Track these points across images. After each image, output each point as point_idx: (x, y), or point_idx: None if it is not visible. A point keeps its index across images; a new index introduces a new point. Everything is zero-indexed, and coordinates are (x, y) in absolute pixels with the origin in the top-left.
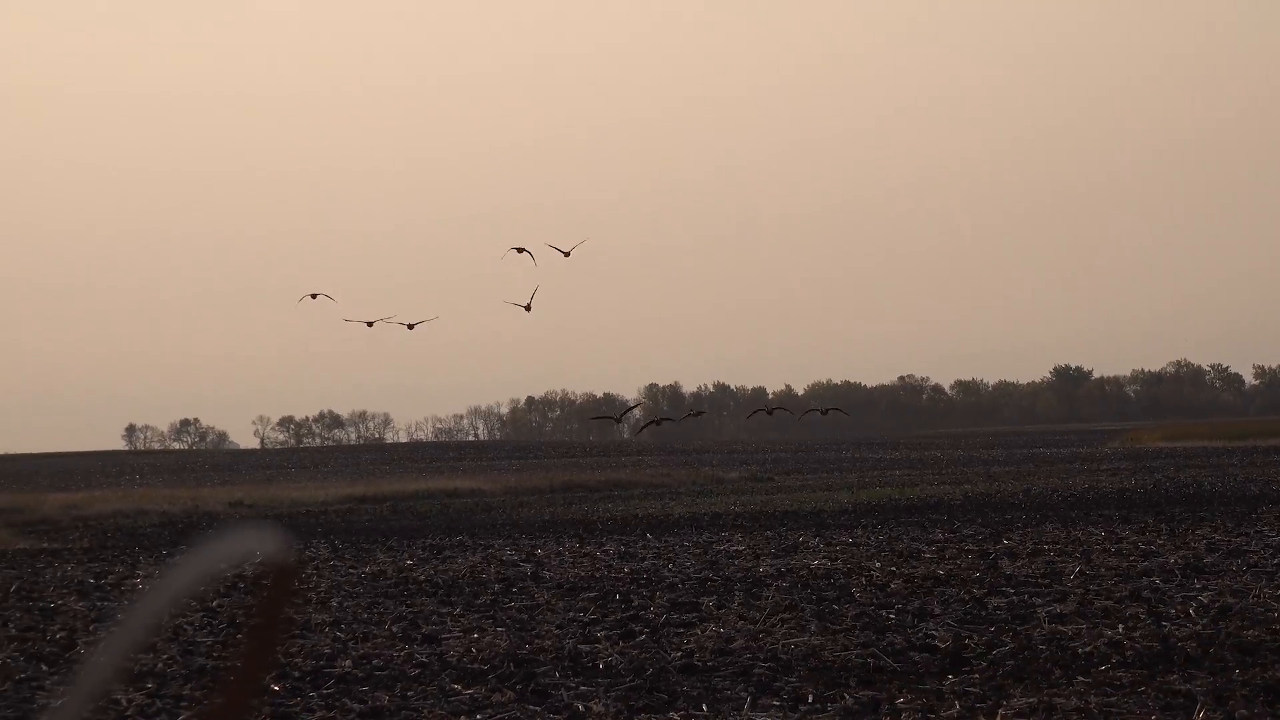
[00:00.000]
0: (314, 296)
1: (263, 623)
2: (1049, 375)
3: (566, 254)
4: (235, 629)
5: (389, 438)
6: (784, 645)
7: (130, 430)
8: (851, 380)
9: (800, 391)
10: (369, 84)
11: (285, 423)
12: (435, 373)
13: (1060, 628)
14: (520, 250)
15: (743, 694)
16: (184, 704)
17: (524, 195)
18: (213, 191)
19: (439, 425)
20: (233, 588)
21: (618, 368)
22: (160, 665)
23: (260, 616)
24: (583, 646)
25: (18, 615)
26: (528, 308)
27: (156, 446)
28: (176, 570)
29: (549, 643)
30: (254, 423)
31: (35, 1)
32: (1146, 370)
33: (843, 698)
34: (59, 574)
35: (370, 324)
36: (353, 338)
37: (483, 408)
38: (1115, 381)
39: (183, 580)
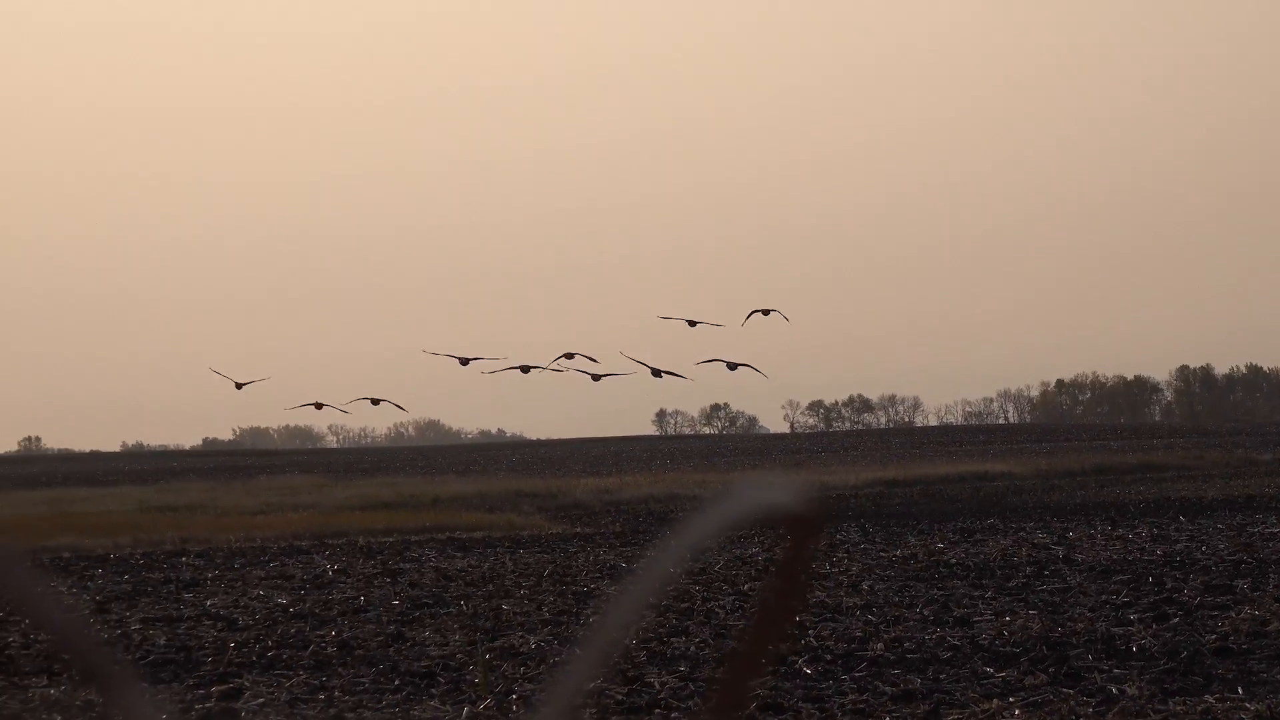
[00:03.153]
0: (239, 386)
1: (782, 576)
2: None
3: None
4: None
5: (918, 421)
6: None
7: (660, 415)
8: None
9: None
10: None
11: (815, 407)
12: (965, 356)
13: None
14: (569, 356)
15: (1279, 677)
16: (716, 688)
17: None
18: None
19: (968, 408)
20: (764, 571)
21: (1150, 350)
22: (693, 649)
23: (780, 570)
24: (1115, 629)
25: (552, 599)
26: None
27: (687, 431)
28: (686, 526)
29: (1081, 625)
30: (783, 407)
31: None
32: None
33: None
34: (591, 558)
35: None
36: (873, 323)
37: (1012, 390)
38: None
39: (692, 535)
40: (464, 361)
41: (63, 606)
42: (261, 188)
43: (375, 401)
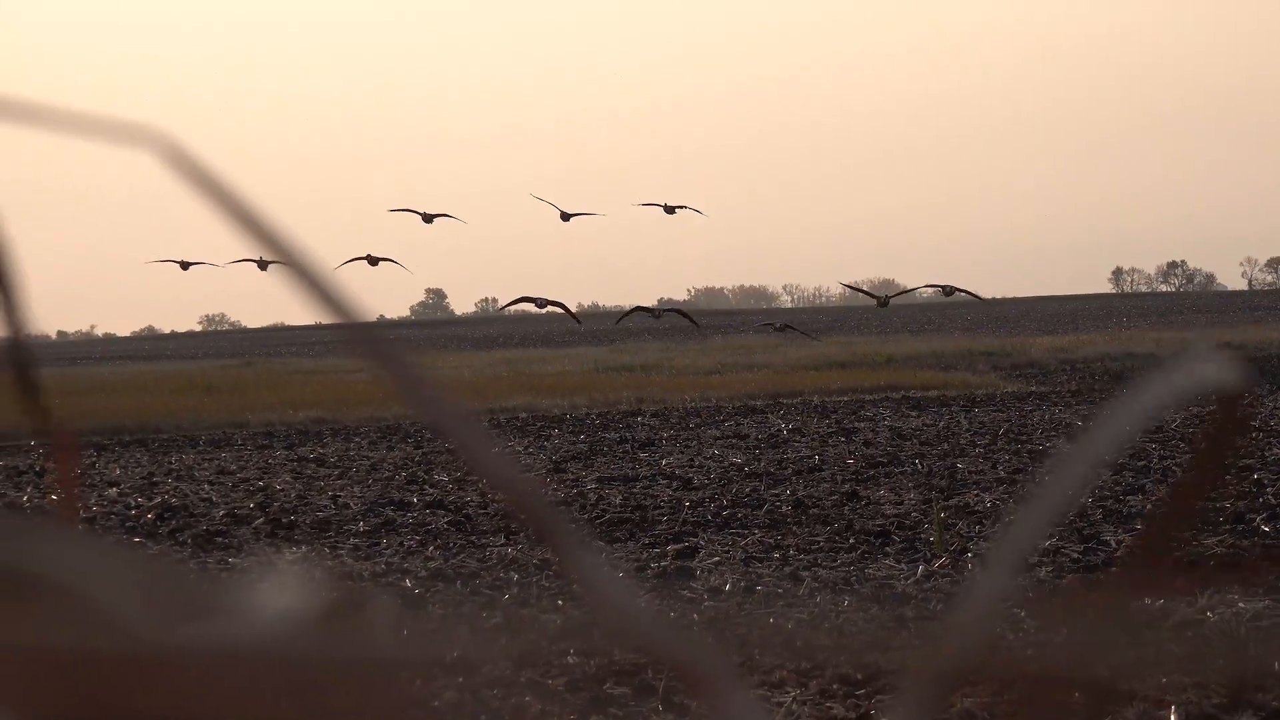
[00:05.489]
0: (185, 267)
1: (1203, 456)
2: None
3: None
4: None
5: None
6: None
7: (1117, 273)
8: None
9: None
10: None
11: (1273, 263)
12: None
13: None
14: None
15: None
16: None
17: None
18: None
19: None
20: (1196, 440)
21: None
22: (1148, 507)
23: (1203, 449)
24: None
25: (1007, 457)
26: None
27: (1143, 289)
28: (1131, 398)
29: None
30: (1241, 264)
31: None
32: None
33: None
34: (1046, 416)
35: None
36: None
37: None
38: None
39: (1135, 408)
40: (428, 219)
41: (519, 466)
42: None
43: (374, 261)
